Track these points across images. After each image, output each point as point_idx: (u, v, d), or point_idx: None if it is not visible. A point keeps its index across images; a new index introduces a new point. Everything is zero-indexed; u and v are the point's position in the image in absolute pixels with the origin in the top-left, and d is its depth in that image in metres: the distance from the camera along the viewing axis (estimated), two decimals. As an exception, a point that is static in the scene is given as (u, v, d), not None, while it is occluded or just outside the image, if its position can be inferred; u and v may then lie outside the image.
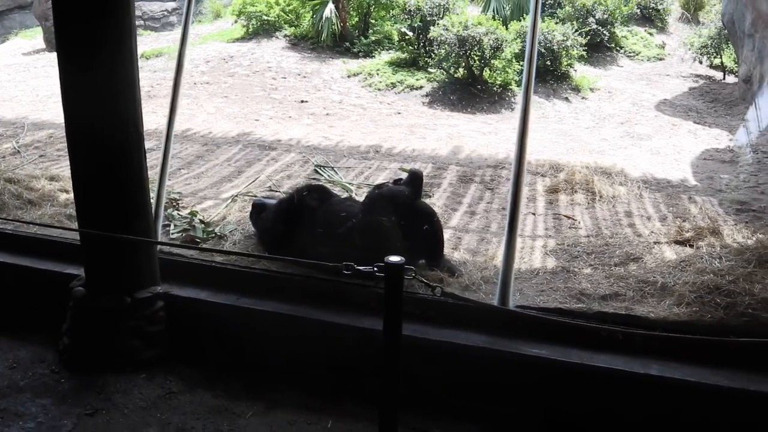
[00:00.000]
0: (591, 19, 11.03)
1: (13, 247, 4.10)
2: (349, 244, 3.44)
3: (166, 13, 15.87)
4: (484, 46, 8.67)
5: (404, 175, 5.33)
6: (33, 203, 4.78)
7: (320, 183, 4.69)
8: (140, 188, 3.42)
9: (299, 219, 3.66)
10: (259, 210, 4.06)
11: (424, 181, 4.10)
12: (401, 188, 3.72)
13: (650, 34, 12.29)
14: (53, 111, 8.57)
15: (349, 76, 9.57)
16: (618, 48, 11.43)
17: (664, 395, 2.87)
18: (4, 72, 11.28)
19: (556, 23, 9.98)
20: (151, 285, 3.53)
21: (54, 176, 5.45)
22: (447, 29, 8.86)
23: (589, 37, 10.46)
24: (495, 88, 9.01)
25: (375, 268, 2.08)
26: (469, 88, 8.99)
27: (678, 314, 3.16)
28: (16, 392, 3.24)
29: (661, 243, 4.22)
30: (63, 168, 6.00)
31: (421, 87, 9.14)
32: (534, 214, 4.98)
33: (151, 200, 3.63)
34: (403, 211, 3.63)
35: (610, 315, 3.21)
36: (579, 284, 3.62)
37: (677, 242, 4.17)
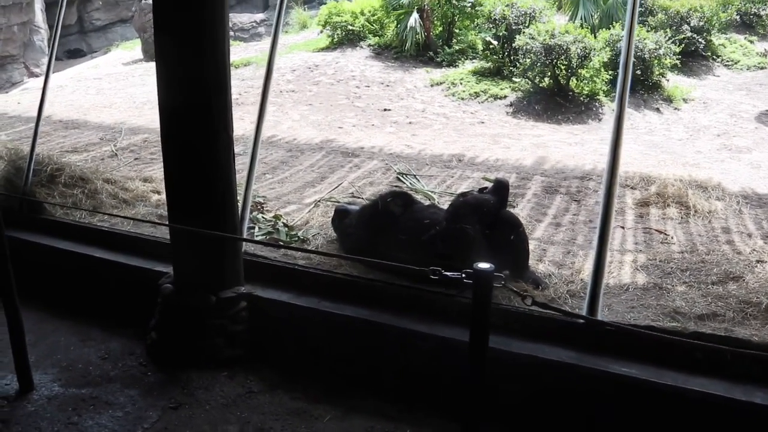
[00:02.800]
0: (685, 27, 10.53)
1: (108, 244, 4.32)
2: (432, 251, 3.39)
3: (254, 24, 16.45)
4: (572, 55, 8.44)
5: (489, 184, 5.27)
6: (127, 203, 5.02)
7: (404, 190, 4.65)
8: (228, 189, 3.52)
9: (382, 225, 3.65)
10: (341, 215, 4.07)
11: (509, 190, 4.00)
12: (486, 197, 3.64)
13: (750, 41, 11.59)
14: (148, 117, 9.01)
15: (432, 85, 9.55)
16: (714, 56, 10.85)
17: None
18: (106, 80, 11.98)
19: (648, 31, 9.58)
20: (235, 285, 3.61)
21: (147, 178, 5.71)
22: (533, 38, 8.68)
23: (683, 45, 9.98)
24: (582, 98, 8.74)
25: (463, 275, 2.02)
26: (554, 98, 8.77)
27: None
28: (106, 382, 3.38)
29: (764, 262, 3.93)
30: (155, 170, 6.28)
31: (505, 96, 8.99)
32: (623, 227, 4.76)
33: (238, 203, 3.71)
34: (487, 219, 3.54)
35: (708, 336, 3.00)
36: (673, 302, 3.42)
37: (784, 261, 3.87)
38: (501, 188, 3.74)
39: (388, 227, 3.66)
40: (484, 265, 1.91)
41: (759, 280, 3.64)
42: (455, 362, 3.11)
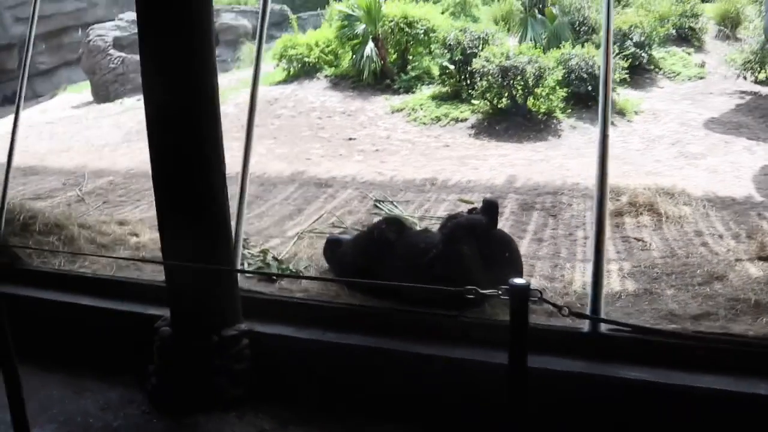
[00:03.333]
0: (628, 42, 11.01)
1: (94, 291, 4.20)
2: (432, 274, 3.43)
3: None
4: (527, 76, 8.71)
5: (468, 206, 5.36)
6: (106, 247, 4.91)
7: (396, 216, 4.70)
8: (224, 224, 3.49)
9: (378, 252, 3.68)
10: (333, 246, 4.09)
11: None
12: (478, 217, 3.71)
13: (688, 53, 12.19)
14: (109, 159, 8.86)
15: (393, 112, 9.70)
16: (657, 69, 11.36)
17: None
18: (59, 125, 11.72)
19: (597, 48, 9.99)
20: (234, 323, 3.57)
21: (122, 221, 5.60)
22: (489, 60, 8.94)
23: (630, 60, 10.43)
24: (540, 116, 9.02)
25: (500, 291, 2.07)
26: (513, 118, 9.02)
27: (777, 332, 3.06)
28: (111, 433, 3.28)
29: (742, 260, 4.13)
30: (126, 212, 6.19)
31: (466, 119, 9.20)
32: (602, 238, 4.91)
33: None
34: (482, 239, 3.61)
35: (707, 334, 3.13)
36: (666, 305, 3.56)
37: (761, 258, 4.07)
38: (491, 208, 3.83)
39: (384, 254, 3.69)
40: (519, 281, 1.97)
41: (741, 278, 3.82)
42: (466, 382, 3.17)
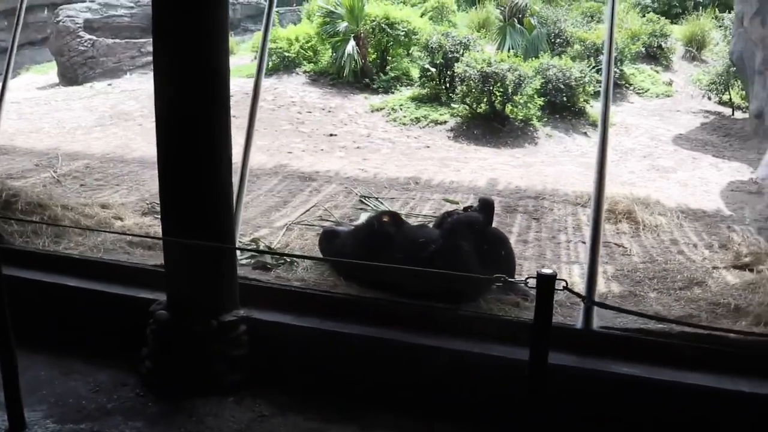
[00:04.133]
0: (601, 57, 11.33)
1: (82, 272, 4.13)
2: (432, 268, 3.51)
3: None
4: (507, 83, 8.90)
5: (450, 206, 5.47)
6: (91, 230, 4.82)
7: (393, 211, 4.76)
8: (227, 208, 3.50)
9: (378, 245, 3.73)
10: (330, 237, 4.13)
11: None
12: (476, 215, 3.82)
13: (656, 71, 12.62)
14: (83, 142, 8.66)
15: (372, 111, 9.76)
16: (628, 85, 11.72)
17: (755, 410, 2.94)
18: (25, 105, 11.36)
19: (572, 60, 10.27)
20: (232, 308, 3.58)
21: (105, 204, 5.50)
22: (470, 66, 9.09)
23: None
24: (517, 123, 9.22)
25: (527, 281, 2.16)
26: (491, 123, 9.19)
27: (759, 333, 3.25)
28: (105, 415, 3.25)
29: (719, 268, 4.34)
30: (106, 196, 6.08)
31: (445, 122, 9.33)
32: (584, 242, 5.08)
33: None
34: (479, 236, 3.72)
35: (692, 335, 3.29)
36: (651, 306, 3.72)
37: (736, 267, 4.29)
38: (487, 207, 3.95)
39: (383, 247, 3.75)
40: (546, 271, 2.06)
41: (719, 284, 4.03)
42: (465, 373, 3.26)
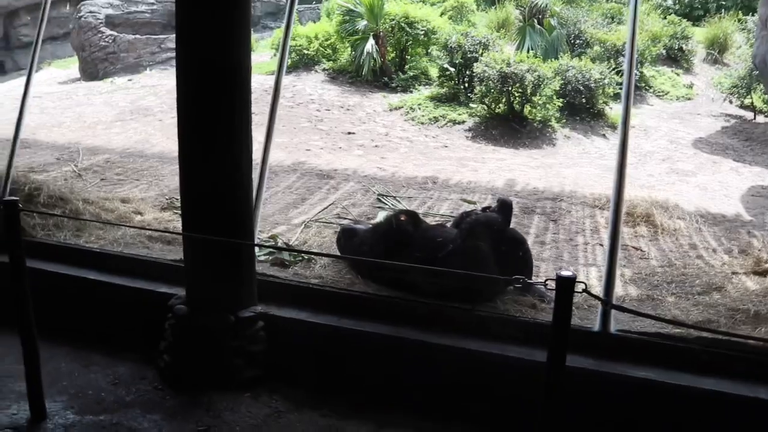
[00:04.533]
0: (621, 59, 11.24)
1: (102, 266, 4.19)
2: (450, 268, 3.51)
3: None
4: (526, 83, 8.87)
5: (468, 206, 5.47)
6: (112, 224, 4.88)
7: (411, 210, 4.77)
8: (248, 205, 3.53)
9: (396, 243, 3.74)
10: (348, 235, 4.14)
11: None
12: (494, 215, 3.81)
13: (677, 74, 12.50)
14: (104, 137, 8.77)
15: (391, 110, 9.77)
16: (647, 87, 11.62)
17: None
18: (47, 99, 11.51)
19: (592, 61, 10.20)
20: (250, 304, 3.61)
21: (125, 198, 5.57)
22: (489, 66, 9.07)
23: (623, 76, 10.65)
24: (535, 124, 9.18)
25: (546, 283, 2.16)
26: (509, 124, 9.17)
27: (779, 341, 3.21)
28: (124, 407, 3.29)
29: (738, 273, 4.30)
30: (126, 191, 6.15)
31: (464, 121, 9.32)
32: (601, 245, 5.06)
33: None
34: (497, 237, 3.71)
35: (710, 340, 3.26)
36: (669, 311, 3.69)
37: (756, 273, 4.24)
38: (505, 207, 3.93)
39: (402, 246, 3.76)
40: (566, 272, 2.06)
41: (739, 290, 3.98)
42: (479, 373, 3.26)
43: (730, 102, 11.10)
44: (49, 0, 5.21)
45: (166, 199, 5.76)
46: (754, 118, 10.55)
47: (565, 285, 2.04)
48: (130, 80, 13.09)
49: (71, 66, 15.56)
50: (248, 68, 3.44)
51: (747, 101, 10.91)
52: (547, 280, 2.17)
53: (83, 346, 3.86)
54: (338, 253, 4.25)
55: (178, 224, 5.00)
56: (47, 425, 3.13)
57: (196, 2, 3.30)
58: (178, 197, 5.55)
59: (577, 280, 2.08)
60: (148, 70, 13.91)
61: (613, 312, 3.45)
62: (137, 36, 14.61)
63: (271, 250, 4.33)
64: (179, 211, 5.24)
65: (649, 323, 3.51)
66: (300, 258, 4.24)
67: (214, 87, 3.33)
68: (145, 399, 3.36)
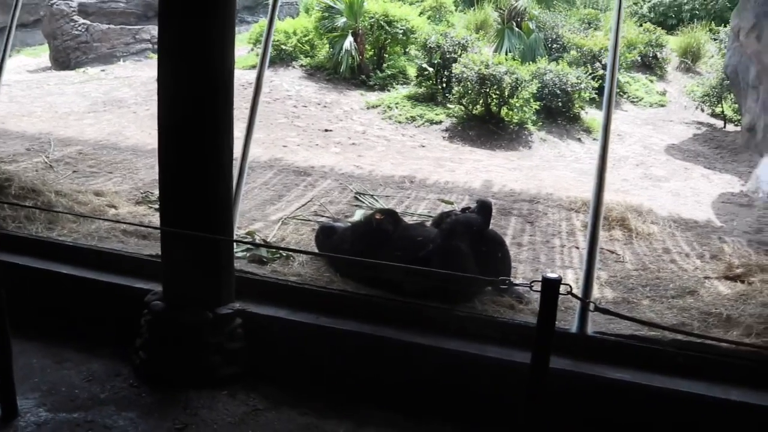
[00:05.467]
0: (597, 64, 11.41)
1: (75, 260, 4.10)
2: (429, 267, 3.52)
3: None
4: (504, 86, 8.93)
5: (444, 206, 5.50)
6: (86, 217, 4.78)
7: (389, 208, 4.76)
8: (227, 199, 3.49)
9: (376, 242, 3.74)
10: (327, 233, 4.13)
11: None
12: (474, 216, 3.83)
13: (651, 81, 12.71)
14: (76, 128, 8.58)
15: (368, 108, 9.76)
16: (622, 93, 11.79)
17: (744, 419, 2.98)
18: (16, 87, 11.23)
19: (569, 65, 10.32)
20: (228, 301, 3.57)
21: (98, 192, 5.47)
22: (468, 67, 9.11)
23: (599, 81, 10.80)
24: (512, 126, 9.25)
25: (531, 284, 2.18)
26: (486, 125, 9.22)
27: (750, 344, 3.29)
28: (98, 405, 3.24)
29: (711, 278, 4.39)
30: (99, 183, 6.03)
31: (441, 122, 9.35)
32: (578, 248, 5.13)
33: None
34: (477, 238, 3.73)
35: (685, 343, 3.33)
36: (644, 314, 3.76)
37: (728, 278, 4.33)
38: (485, 208, 3.96)
39: (381, 244, 3.76)
40: (551, 275, 2.08)
41: (711, 294, 4.08)
42: (458, 373, 3.28)
43: (702, 110, 11.32)
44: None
45: (141, 193, 5.66)
46: (724, 127, 10.77)
47: (551, 287, 2.05)
48: (103, 71, 12.84)
49: (41, 54, 15.19)
50: (231, 68, 3.40)
51: (718, 110, 11.14)
52: (532, 282, 2.19)
53: (56, 342, 3.78)
54: (316, 251, 4.23)
55: (153, 218, 4.93)
56: (19, 423, 3.05)
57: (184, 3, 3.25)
58: (153, 191, 5.50)
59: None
60: (122, 60, 13.66)
61: (590, 314, 3.51)
62: (111, 26, 14.32)
63: (248, 246, 4.30)
64: (154, 206, 5.19)
65: (624, 325, 3.57)
66: (278, 255, 4.21)
67: (196, 81, 3.29)
68: (120, 396, 3.30)
